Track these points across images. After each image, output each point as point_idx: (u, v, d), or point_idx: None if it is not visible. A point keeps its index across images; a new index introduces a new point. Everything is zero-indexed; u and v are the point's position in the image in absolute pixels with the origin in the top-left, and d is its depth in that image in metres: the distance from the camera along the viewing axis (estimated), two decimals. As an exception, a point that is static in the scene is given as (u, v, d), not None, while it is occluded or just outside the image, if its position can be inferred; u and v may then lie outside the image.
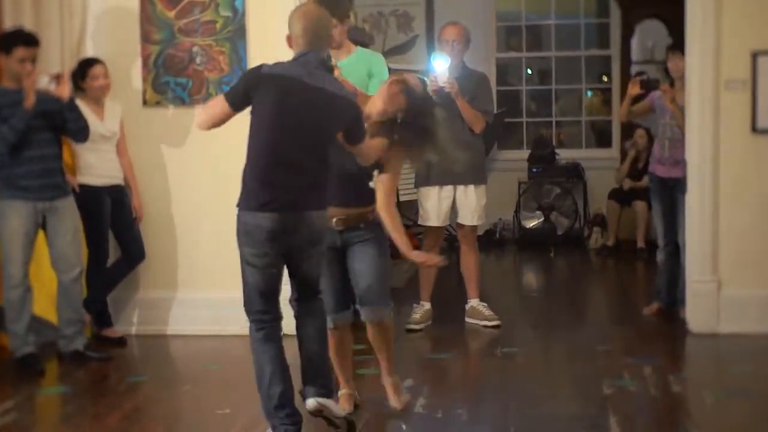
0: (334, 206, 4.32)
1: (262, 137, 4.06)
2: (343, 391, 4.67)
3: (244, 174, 4.09)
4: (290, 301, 4.29)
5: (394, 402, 4.71)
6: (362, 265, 4.50)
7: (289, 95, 4.05)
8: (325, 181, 4.13)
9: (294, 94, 4.05)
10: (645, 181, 9.39)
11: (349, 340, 4.72)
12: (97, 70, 5.97)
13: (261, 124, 4.08)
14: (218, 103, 4.20)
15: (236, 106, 4.16)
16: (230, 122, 6.34)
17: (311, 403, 4.21)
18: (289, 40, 4.22)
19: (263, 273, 4.09)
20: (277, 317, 4.19)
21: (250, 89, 4.11)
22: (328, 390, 4.25)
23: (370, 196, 4.49)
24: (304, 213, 4.04)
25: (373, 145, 4.34)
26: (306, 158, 4.06)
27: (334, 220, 4.40)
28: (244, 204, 4.10)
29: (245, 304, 4.18)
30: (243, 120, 6.33)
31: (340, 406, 4.49)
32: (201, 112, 4.38)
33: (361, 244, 4.49)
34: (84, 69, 5.97)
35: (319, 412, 4.22)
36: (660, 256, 6.63)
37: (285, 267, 4.15)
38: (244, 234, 4.09)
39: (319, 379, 4.23)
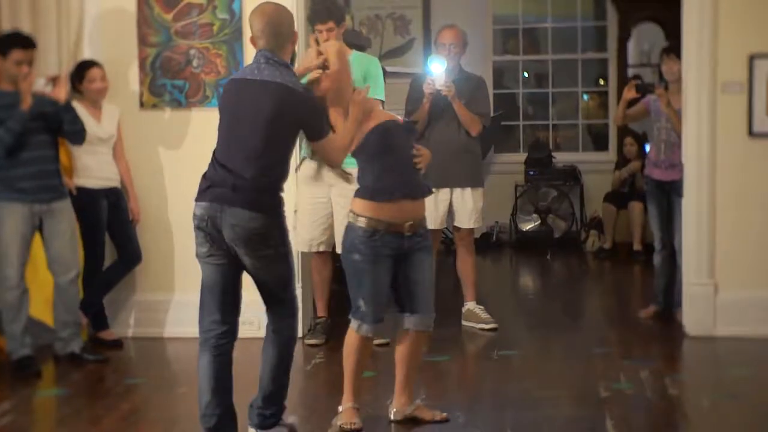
0: (400, 199, 4.29)
1: (218, 138, 4.18)
2: (348, 405, 4.53)
3: None
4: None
5: (430, 416, 4.59)
6: (422, 274, 4.43)
7: (234, 93, 4.11)
8: (270, 183, 4.07)
9: (238, 92, 4.09)
10: (640, 183, 9.42)
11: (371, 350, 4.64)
12: (94, 72, 5.97)
13: (218, 126, 4.19)
14: None
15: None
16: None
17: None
18: (252, 40, 4.21)
19: (203, 265, 4.17)
20: (225, 331, 4.23)
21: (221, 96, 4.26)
22: (266, 419, 4.28)
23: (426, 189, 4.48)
24: (233, 208, 4.01)
25: (336, 145, 4.16)
26: (247, 156, 4.03)
27: (407, 225, 4.33)
28: None
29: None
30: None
31: (349, 420, 4.45)
32: None
33: (420, 252, 4.41)
34: (82, 71, 5.97)
35: None
36: (656, 259, 6.64)
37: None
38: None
39: (260, 407, 4.30)
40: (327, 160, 4.30)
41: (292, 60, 5.14)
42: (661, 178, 6.49)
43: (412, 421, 4.59)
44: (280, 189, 4.14)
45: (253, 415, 4.33)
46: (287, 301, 4.29)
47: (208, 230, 4.10)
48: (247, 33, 6.15)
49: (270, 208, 4.09)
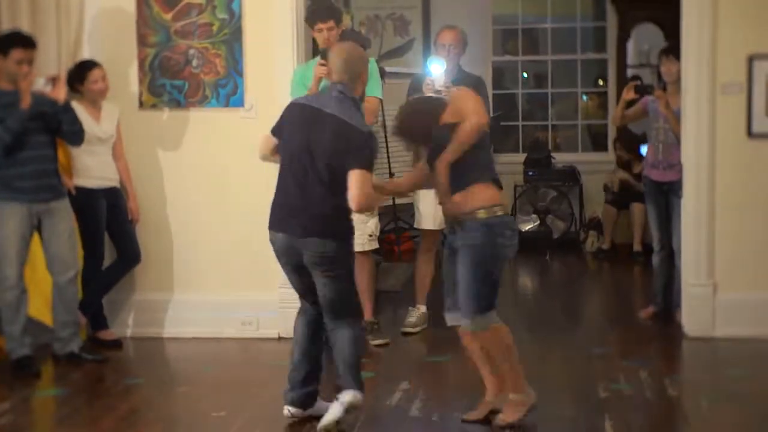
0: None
1: (281, 161, 4.49)
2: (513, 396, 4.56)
3: None
4: None
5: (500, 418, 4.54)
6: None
7: (302, 120, 4.39)
8: (330, 209, 4.34)
9: (306, 120, 4.38)
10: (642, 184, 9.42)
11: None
12: (95, 73, 5.97)
13: (281, 148, 4.50)
14: (265, 134, 4.61)
15: (276, 134, 4.56)
16: (226, 125, 6.38)
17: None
18: (328, 70, 4.57)
19: (289, 278, 4.59)
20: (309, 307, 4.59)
21: (282, 117, 4.54)
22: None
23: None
24: (299, 238, 4.38)
25: (364, 187, 4.31)
26: (310, 183, 4.34)
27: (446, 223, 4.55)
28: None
29: None
30: (238, 123, 6.36)
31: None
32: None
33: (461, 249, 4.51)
34: (82, 72, 5.97)
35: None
36: (655, 260, 6.65)
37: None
38: None
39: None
40: (351, 192, 4.33)
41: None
42: (659, 179, 6.49)
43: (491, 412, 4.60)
44: (349, 214, 4.44)
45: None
46: (340, 318, 4.52)
47: (286, 255, 4.50)
48: (247, 32, 6.22)
49: (340, 233, 4.41)
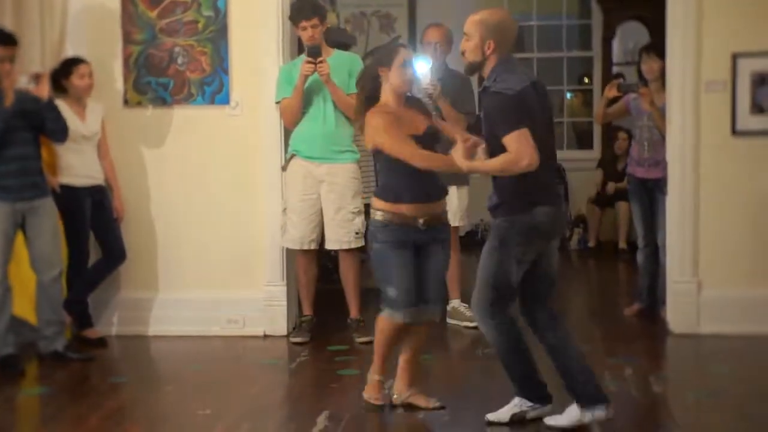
0: (410, 202, 4.44)
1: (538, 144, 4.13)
2: (376, 377, 4.72)
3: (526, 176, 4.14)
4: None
5: (425, 403, 4.70)
6: (434, 264, 4.56)
7: (539, 97, 4.26)
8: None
9: (539, 96, 4.27)
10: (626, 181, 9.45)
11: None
12: (82, 68, 5.95)
13: (535, 132, 4.13)
14: (524, 134, 4.11)
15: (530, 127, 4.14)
16: (212, 123, 6.38)
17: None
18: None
19: (521, 267, 4.30)
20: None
21: (528, 106, 4.16)
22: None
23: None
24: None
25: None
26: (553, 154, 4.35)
27: (420, 221, 4.47)
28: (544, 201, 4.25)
29: (492, 302, 4.33)
30: (223, 121, 6.35)
31: (374, 395, 4.68)
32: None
33: (434, 244, 4.54)
34: (69, 68, 5.95)
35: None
36: (640, 257, 6.66)
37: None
38: (533, 231, 4.23)
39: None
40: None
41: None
42: (644, 176, 6.51)
43: (408, 407, 4.68)
44: None
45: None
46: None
47: (553, 233, 4.34)
48: (233, 30, 6.21)
49: None
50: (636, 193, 6.62)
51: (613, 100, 6.56)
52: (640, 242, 6.64)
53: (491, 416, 4.51)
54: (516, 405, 4.50)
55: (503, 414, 4.49)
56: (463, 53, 4.45)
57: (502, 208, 4.27)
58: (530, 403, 4.49)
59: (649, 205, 6.51)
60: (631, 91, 6.45)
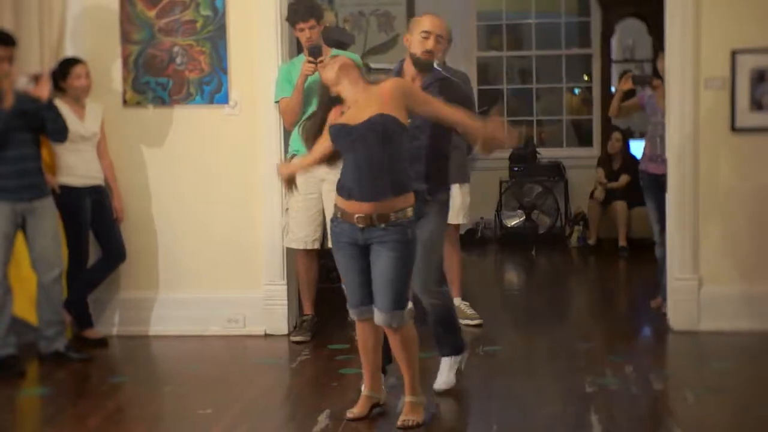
0: (350, 199, 4.32)
1: None
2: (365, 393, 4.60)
3: None
4: None
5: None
6: (378, 268, 4.34)
7: None
8: None
9: None
10: (622, 180, 9.46)
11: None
12: (78, 69, 5.95)
13: None
14: None
15: None
16: (211, 123, 6.37)
17: None
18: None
19: None
20: None
21: None
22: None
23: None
24: None
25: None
26: None
27: (356, 217, 4.29)
28: None
29: None
30: (222, 120, 6.35)
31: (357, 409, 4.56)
32: None
33: (378, 246, 4.32)
34: (66, 68, 5.94)
35: None
36: (658, 252, 6.61)
37: None
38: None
39: None
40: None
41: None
42: (658, 171, 6.48)
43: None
44: None
45: None
46: None
47: None
48: (231, 29, 6.20)
49: None
50: (649, 189, 6.60)
51: (627, 95, 6.54)
52: (657, 238, 6.59)
53: (440, 386, 4.83)
54: (452, 365, 4.95)
55: (449, 378, 4.89)
56: (433, 53, 4.75)
57: (442, 187, 4.76)
58: (458, 356, 4.99)
59: (664, 200, 6.49)
60: (646, 83, 6.44)
